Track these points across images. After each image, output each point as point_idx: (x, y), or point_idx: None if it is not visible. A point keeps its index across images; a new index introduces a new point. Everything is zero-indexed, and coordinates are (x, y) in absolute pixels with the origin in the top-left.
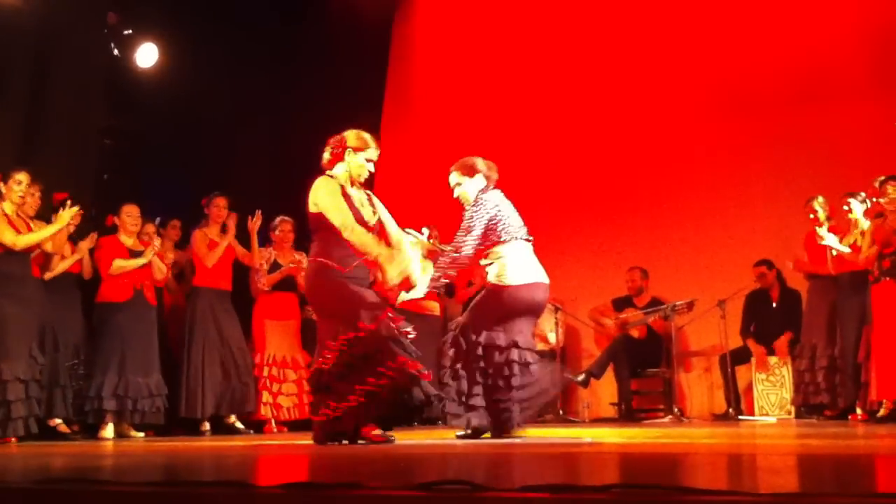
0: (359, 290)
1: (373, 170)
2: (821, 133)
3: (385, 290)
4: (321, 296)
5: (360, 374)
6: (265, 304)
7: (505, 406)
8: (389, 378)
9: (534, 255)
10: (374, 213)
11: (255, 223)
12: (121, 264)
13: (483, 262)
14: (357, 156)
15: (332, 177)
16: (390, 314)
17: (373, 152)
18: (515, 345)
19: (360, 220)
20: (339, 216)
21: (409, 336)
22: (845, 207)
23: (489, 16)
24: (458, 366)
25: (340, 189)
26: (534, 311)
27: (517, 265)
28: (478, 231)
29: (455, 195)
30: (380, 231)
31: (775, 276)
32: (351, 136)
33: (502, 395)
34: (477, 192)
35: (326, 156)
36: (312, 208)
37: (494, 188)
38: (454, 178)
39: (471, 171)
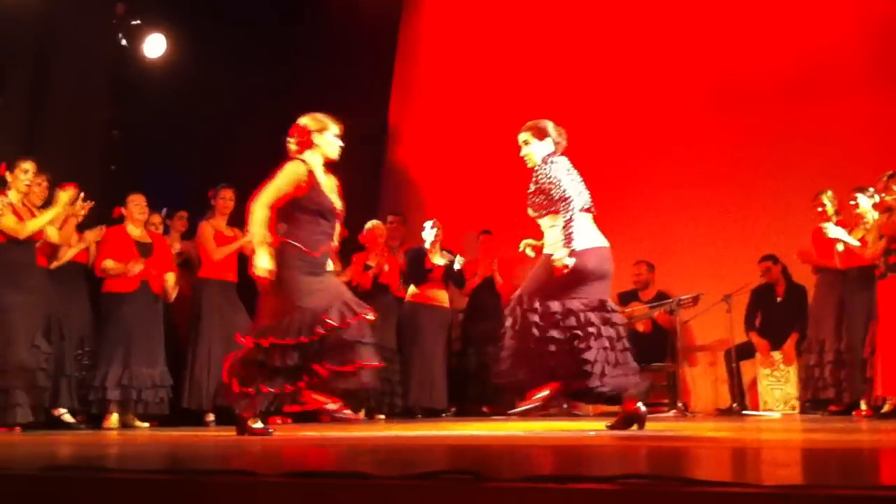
0: (329, 286)
1: (342, 144)
2: (826, 127)
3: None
4: (281, 276)
5: (301, 369)
6: None
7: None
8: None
9: (594, 225)
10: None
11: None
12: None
13: (544, 225)
14: (324, 136)
15: (303, 161)
16: (360, 318)
17: (335, 128)
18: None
19: (330, 207)
20: (267, 191)
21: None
22: (852, 202)
23: (495, 11)
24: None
25: (308, 175)
26: (597, 276)
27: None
28: (564, 185)
29: (521, 153)
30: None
31: (780, 271)
32: (309, 120)
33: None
34: (544, 155)
35: (293, 146)
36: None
37: (562, 155)
38: (524, 136)
39: (541, 134)
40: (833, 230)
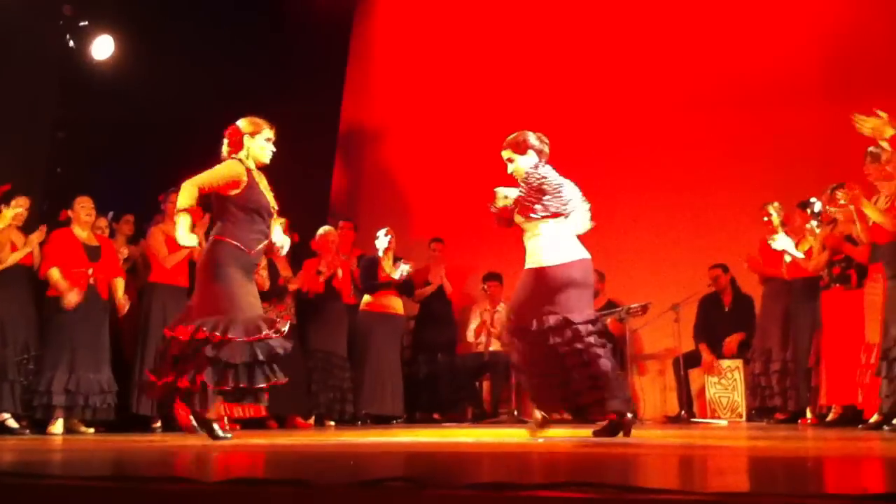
0: (249, 300)
1: (273, 149)
2: (775, 140)
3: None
4: (218, 273)
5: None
6: None
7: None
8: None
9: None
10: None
11: (203, 225)
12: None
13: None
14: (255, 139)
15: (241, 160)
16: (270, 337)
17: (268, 132)
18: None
19: (266, 207)
20: (202, 175)
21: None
22: (801, 216)
23: (448, 13)
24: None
25: (247, 173)
26: (587, 287)
27: (553, 245)
28: (554, 185)
29: (508, 171)
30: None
31: (729, 281)
32: (244, 122)
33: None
34: (530, 167)
35: (225, 148)
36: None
37: (546, 163)
38: (506, 154)
39: (521, 148)
40: (778, 242)
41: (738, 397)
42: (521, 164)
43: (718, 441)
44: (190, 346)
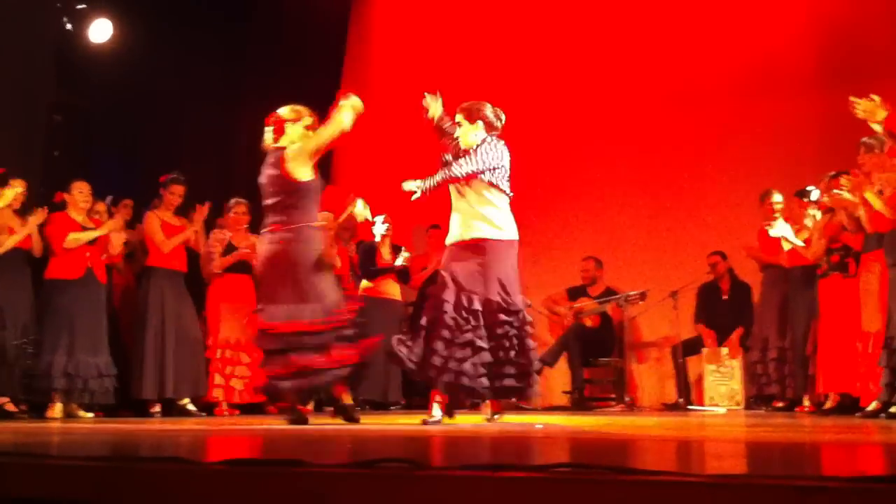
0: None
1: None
2: (772, 127)
3: None
4: (307, 261)
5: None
6: (220, 287)
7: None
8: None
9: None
10: None
11: (202, 212)
12: (76, 237)
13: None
14: (296, 126)
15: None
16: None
17: (308, 119)
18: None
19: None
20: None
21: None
22: (799, 204)
23: (445, 6)
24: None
25: None
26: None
27: (510, 220)
28: (479, 166)
29: (455, 135)
30: None
31: (727, 269)
32: (285, 110)
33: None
34: (476, 139)
35: (269, 135)
36: (298, 174)
37: (499, 138)
38: (457, 117)
39: (472, 117)
40: (777, 229)
41: (737, 385)
42: (466, 133)
43: (716, 427)
44: (316, 336)
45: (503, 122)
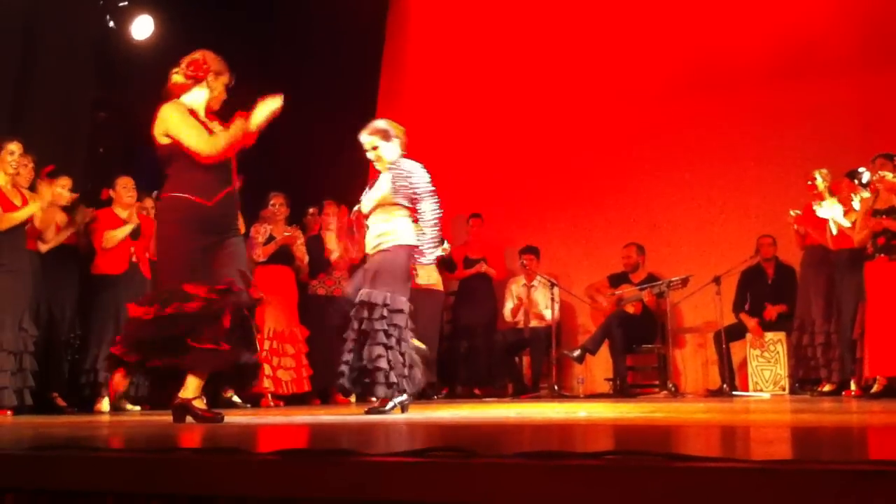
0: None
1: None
2: (816, 108)
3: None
4: (169, 238)
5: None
6: (262, 278)
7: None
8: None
9: None
10: None
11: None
12: (112, 235)
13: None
14: (219, 80)
15: (181, 103)
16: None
17: (229, 78)
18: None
19: None
20: (195, 136)
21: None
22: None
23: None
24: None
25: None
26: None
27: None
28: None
29: (371, 157)
30: None
31: (774, 253)
32: (212, 58)
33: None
34: (396, 156)
35: (179, 78)
36: (162, 139)
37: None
38: (370, 141)
39: (387, 136)
40: (824, 209)
41: (781, 370)
42: (386, 151)
43: (763, 413)
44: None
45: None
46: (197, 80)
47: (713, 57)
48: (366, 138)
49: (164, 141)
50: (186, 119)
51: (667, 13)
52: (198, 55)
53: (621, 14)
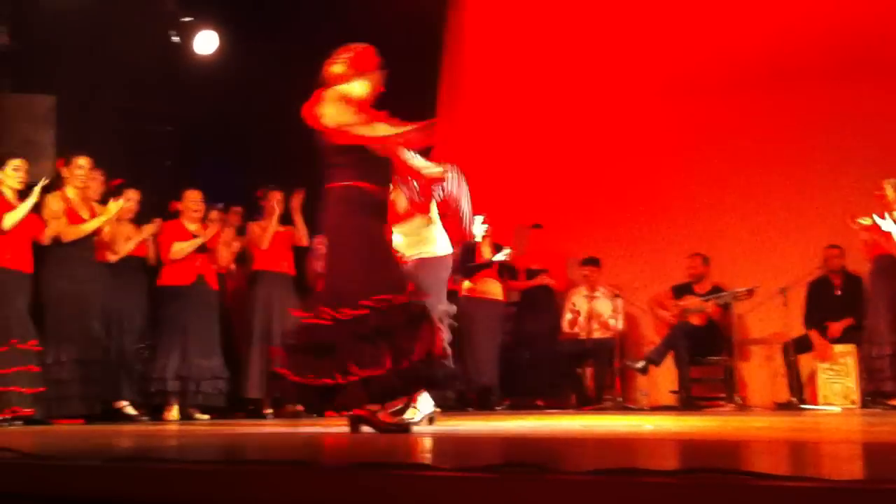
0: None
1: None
2: (885, 113)
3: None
4: (352, 227)
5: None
6: None
7: None
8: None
9: None
10: None
11: (296, 200)
12: (180, 247)
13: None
14: (377, 76)
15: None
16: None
17: (382, 77)
18: None
19: None
20: (367, 127)
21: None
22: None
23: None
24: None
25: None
26: None
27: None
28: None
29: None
30: None
31: (841, 263)
32: (374, 53)
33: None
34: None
35: (341, 69)
36: (328, 124)
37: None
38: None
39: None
40: (887, 222)
41: (851, 383)
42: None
43: (833, 428)
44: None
45: None
46: (359, 73)
47: (777, 62)
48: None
49: (330, 125)
50: (350, 106)
51: (729, 18)
52: (361, 48)
53: (682, 22)
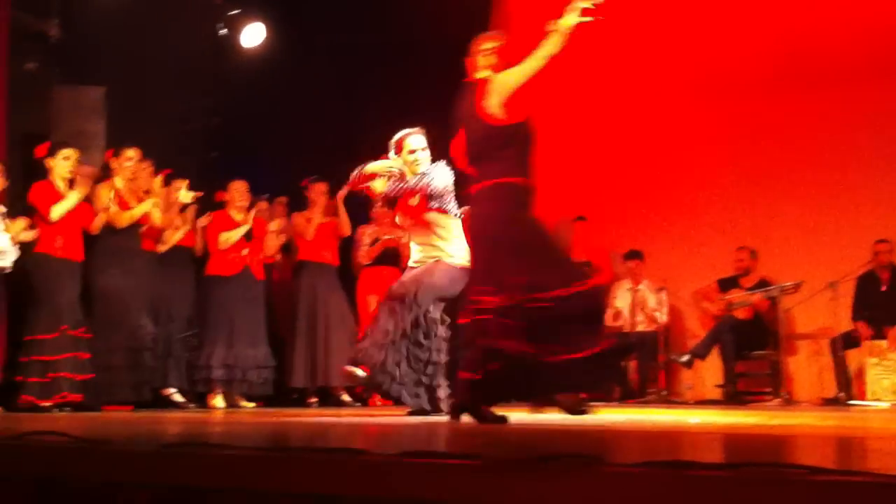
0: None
1: None
2: None
3: None
4: (513, 223)
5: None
6: (368, 279)
7: None
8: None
9: None
10: None
11: (342, 192)
12: (227, 236)
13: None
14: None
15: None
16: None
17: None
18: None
19: None
20: (525, 68)
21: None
22: None
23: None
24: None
25: None
26: None
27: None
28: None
29: (414, 157)
30: None
31: (889, 259)
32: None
33: None
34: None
35: (491, 60)
36: (499, 112)
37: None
38: (422, 141)
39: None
40: None
41: None
42: (427, 155)
43: (880, 423)
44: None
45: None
46: (507, 60)
47: (824, 56)
48: (420, 140)
49: (501, 116)
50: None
51: (778, 13)
52: (500, 35)
53: (732, 17)
